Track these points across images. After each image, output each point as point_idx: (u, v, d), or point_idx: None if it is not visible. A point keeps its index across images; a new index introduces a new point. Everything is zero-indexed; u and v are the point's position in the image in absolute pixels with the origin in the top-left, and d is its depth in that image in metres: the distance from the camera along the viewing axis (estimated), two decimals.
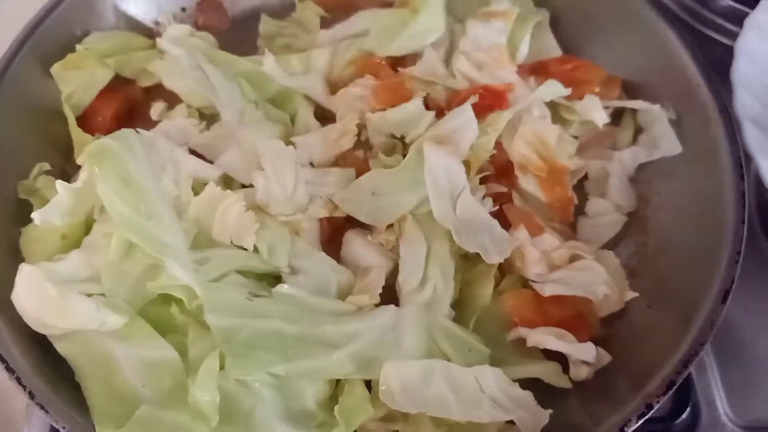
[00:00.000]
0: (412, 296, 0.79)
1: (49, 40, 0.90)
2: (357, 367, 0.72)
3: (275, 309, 0.73)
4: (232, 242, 0.78)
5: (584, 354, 0.76)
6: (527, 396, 0.72)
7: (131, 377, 0.68)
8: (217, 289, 0.72)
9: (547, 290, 0.79)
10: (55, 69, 0.89)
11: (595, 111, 0.91)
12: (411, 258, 0.80)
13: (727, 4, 1.12)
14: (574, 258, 0.83)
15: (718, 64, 0.90)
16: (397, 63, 0.96)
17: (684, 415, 0.84)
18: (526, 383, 0.74)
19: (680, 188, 0.88)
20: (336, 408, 0.70)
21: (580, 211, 0.91)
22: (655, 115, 0.92)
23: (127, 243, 0.73)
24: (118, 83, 0.94)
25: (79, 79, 0.91)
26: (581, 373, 0.76)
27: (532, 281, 0.81)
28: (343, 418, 0.69)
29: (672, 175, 0.89)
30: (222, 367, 0.67)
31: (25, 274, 0.70)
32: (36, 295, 0.70)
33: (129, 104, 0.93)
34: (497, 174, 0.88)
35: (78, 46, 0.92)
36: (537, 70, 0.98)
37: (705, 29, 1.14)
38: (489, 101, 0.88)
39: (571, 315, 0.79)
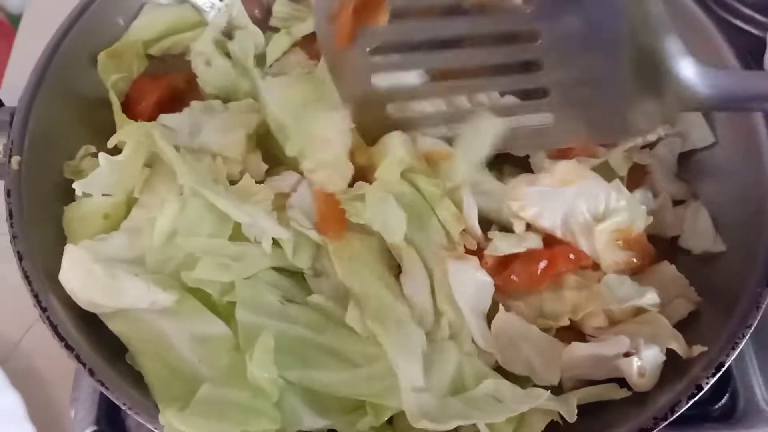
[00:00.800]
0: (432, 336, 0.74)
1: (92, 29, 0.91)
2: (370, 390, 0.69)
3: (303, 316, 0.73)
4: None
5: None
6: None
7: (186, 354, 0.69)
8: (254, 288, 0.73)
9: None
10: (102, 57, 0.90)
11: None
12: (415, 293, 0.75)
13: None
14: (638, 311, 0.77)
15: (749, 54, 0.92)
16: None
17: (723, 400, 0.85)
18: None
19: (719, 178, 0.88)
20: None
21: None
22: None
23: (170, 229, 0.74)
24: (161, 71, 0.95)
25: (121, 68, 0.92)
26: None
27: (590, 335, 0.77)
28: (373, 409, 0.69)
29: (710, 167, 0.90)
30: None
31: (71, 255, 0.71)
32: (84, 275, 0.71)
33: (171, 92, 0.93)
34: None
35: (125, 35, 0.93)
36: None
37: (736, 20, 1.15)
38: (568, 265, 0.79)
39: None
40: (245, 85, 0.92)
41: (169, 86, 0.94)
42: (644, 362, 0.70)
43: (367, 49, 0.72)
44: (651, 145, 0.91)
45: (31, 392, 0.93)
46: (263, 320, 0.70)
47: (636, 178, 0.88)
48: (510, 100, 0.77)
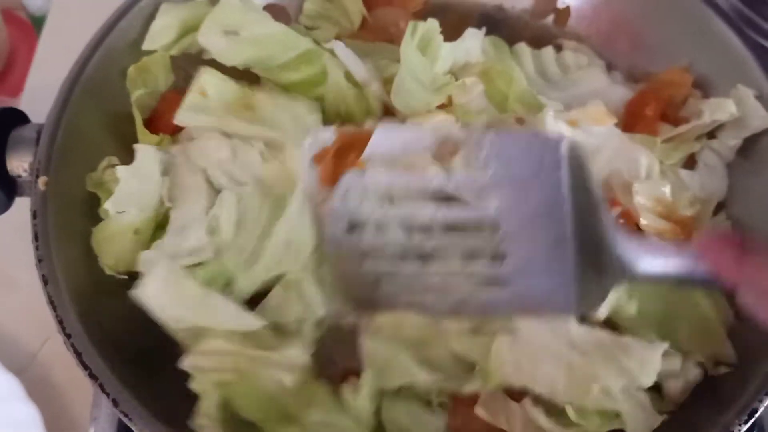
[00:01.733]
0: None
1: (121, 42, 0.90)
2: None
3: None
4: None
5: None
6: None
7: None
8: None
9: None
10: (131, 71, 0.89)
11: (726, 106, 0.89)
12: None
13: None
14: None
15: None
16: None
17: None
18: None
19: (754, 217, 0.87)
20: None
21: None
22: (738, 94, 0.90)
23: (238, 219, 0.78)
24: (185, 86, 0.94)
25: (148, 82, 0.91)
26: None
27: None
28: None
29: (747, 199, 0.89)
30: None
31: (158, 271, 0.73)
32: (170, 291, 0.72)
33: None
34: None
35: (144, 45, 0.91)
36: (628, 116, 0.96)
37: (763, 40, 1.13)
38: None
39: None
40: None
41: None
42: None
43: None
44: (709, 134, 0.92)
45: (49, 404, 0.93)
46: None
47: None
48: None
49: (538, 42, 1.05)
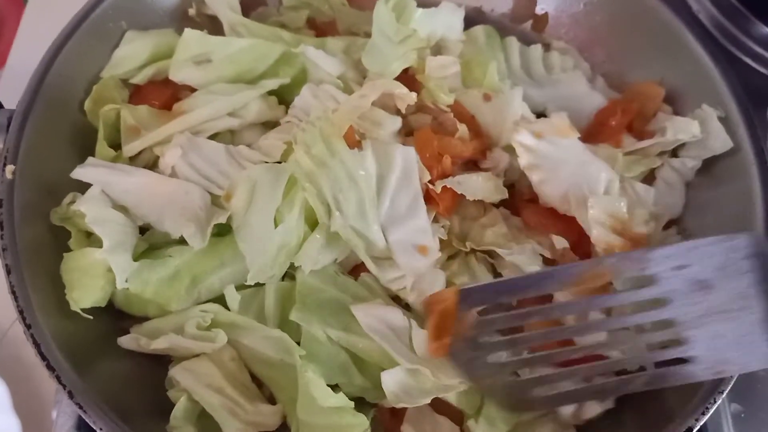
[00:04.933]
0: None
1: (94, 38, 0.91)
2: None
3: (353, 288, 0.82)
4: None
5: None
6: None
7: None
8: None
9: None
10: (89, 105, 0.89)
11: (690, 127, 0.90)
12: None
13: (767, 32, 1.12)
14: None
15: (755, 93, 0.92)
16: None
17: None
18: None
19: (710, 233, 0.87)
20: None
21: None
22: (702, 114, 0.91)
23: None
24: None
25: (108, 102, 0.90)
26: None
27: None
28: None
29: (703, 214, 0.90)
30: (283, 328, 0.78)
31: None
32: None
33: (175, 99, 0.94)
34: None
35: (103, 72, 0.92)
36: (595, 124, 0.97)
37: (744, 57, 1.14)
38: None
39: None
40: None
41: (173, 94, 0.95)
42: None
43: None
44: (672, 151, 0.94)
45: (18, 382, 0.93)
46: (319, 284, 0.80)
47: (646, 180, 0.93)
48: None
49: (526, 39, 1.07)
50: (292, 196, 0.80)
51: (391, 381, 0.74)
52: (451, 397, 0.76)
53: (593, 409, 0.77)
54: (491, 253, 0.85)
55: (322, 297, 0.80)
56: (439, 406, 0.77)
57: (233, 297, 0.80)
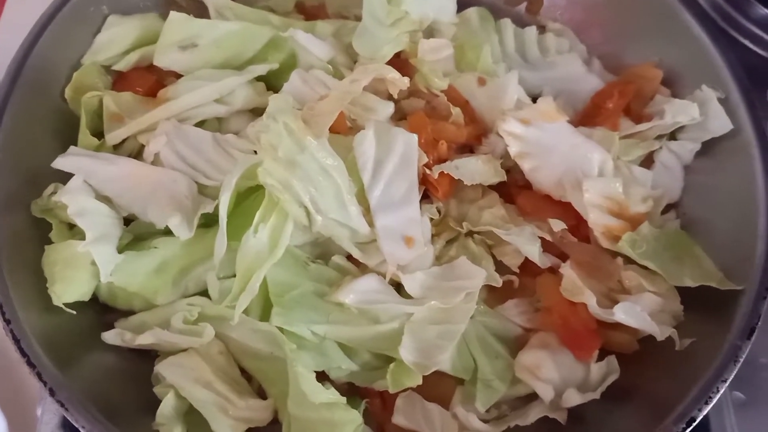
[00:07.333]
0: None
1: (72, 24, 0.88)
2: (391, 344, 0.75)
3: (327, 274, 0.79)
4: None
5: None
6: None
7: None
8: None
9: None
10: (69, 93, 0.87)
11: (689, 109, 0.88)
12: None
13: (765, 13, 1.10)
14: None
15: (754, 75, 0.90)
16: None
17: None
18: None
19: (710, 216, 0.86)
20: (391, 366, 0.74)
21: None
22: (702, 96, 0.89)
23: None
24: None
25: (89, 89, 0.88)
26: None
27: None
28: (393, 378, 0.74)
29: (703, 197, 0.88)
30: (266, 318, 0.75)
31: None
32: None
33: (160, 85, 0.92)
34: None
35: (84, 58, 0.90)
36: (591, 107, 0.95)
37: (743, 39, 1.12)
38: None
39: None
40: None
41: (158, 81, 0.93)
42: None
43: None
44: (671, 135, 0.92)
45: (2, 379, 0.92)
46: (292, 278, 0.77)
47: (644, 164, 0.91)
48: None
49: (521, 21, 1.04)
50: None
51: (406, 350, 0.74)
52: (446, 365, 0.75)
53: (574, 398, 0.75)
54: (489, 235, 0.83)
55: (298, 293, 0.77)
56: (428, 391, 0.76)
57: (214, 285, 0.77)
